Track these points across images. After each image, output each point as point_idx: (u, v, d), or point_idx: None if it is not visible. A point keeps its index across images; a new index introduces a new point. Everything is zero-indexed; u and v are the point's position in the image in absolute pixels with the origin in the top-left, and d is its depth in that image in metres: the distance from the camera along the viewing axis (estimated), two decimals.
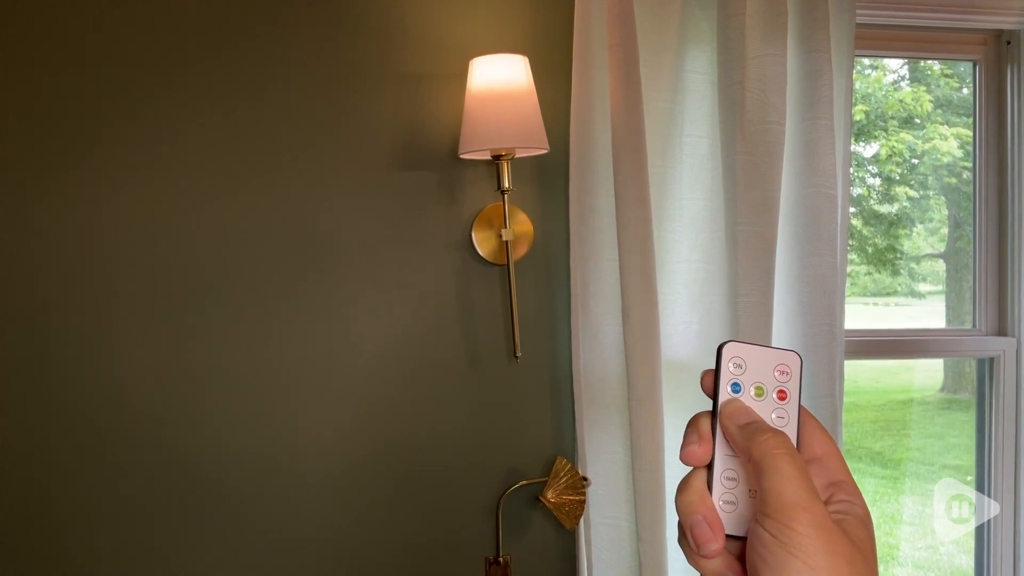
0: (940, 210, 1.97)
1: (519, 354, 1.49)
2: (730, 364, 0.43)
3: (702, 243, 1.52)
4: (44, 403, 1.38)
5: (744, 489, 0.41)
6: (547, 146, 1.40)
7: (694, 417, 0.44)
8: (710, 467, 0.42)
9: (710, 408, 0.44)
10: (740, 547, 0.42)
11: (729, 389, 0.43)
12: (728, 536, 0.41)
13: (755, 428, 0.41)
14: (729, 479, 0.42)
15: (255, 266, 1.44)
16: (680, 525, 0.42)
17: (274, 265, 1.44)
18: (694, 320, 1.53)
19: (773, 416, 0.43)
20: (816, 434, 0.43)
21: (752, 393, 0.43)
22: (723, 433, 0.42)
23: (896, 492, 2.07)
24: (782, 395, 0.43)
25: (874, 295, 1.99)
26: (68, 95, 1.38)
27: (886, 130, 1.93)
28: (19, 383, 1.37)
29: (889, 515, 2.06)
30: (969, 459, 1.88)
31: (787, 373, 0.43)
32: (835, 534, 0.37)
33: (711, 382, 0.44)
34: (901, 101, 1.92)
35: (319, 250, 1.46)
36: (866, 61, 1.90)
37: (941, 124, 1.90)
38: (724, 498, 0.41)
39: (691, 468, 0.43)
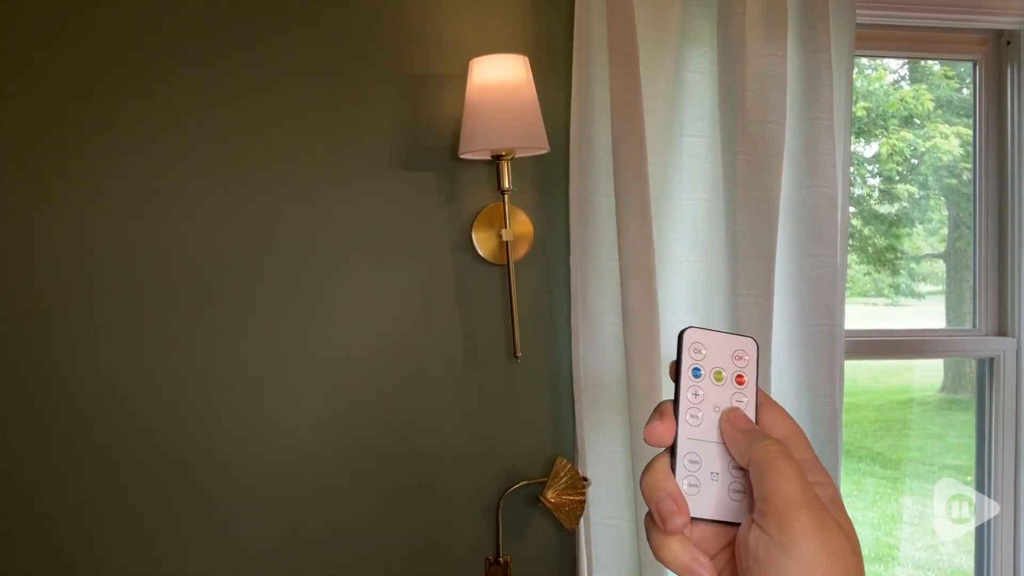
0: (940, 210, 1.97)
1: (519, 354, 1.49)
2: (691, 350, 0.45)
3: (702, 243, 1.52)
4: (36, 404, 1.38)
5: (706, 472, 0.43)
6: (547, 146, 1.40)
7: (659, 403, 0.45)
8: (673, 452, 0.43)
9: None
10: (707, 538, 0.42)
11: (690, 374, 0.44)
12: (692, 519, 0.42)
13: (757, 435, 0.42)
14: (692, 462, 0.43)
15: (253, 266, 1.44)
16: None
17: (273, 264, 1.44)
18: (694, 320, 1.53)
19: (732, 400, 0.44)
20: (779, 417, 0.44)
21: (712, 378, 0.44)
22: (723, 436, 0.43)
23: (896, 492, 2.07)
24: (740, 380, 0.45)
25: (874, 295, 1.99)
26: (60, 94, 1.38)
27: (887, 128, 1.93)
28: (12, 384, 1.37)
29: (889, 515, 2.06)
30: (969, 459, 1.88)
31: (744, 359, 0.45)
32: (832, 530, 0.38)
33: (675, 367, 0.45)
34: (902, 100, 1.92)
35: (318, 250, 1.46)
36: (865, 61, 1.90)
37: (942, 123, 1.90)
38: (688, 480, 0.42)
39: (655, 454, 0.44)
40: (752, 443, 0.41)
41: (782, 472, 0.39)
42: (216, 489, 1.43)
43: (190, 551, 1.43)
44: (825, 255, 1.48)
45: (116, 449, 1.40)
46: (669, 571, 1.42)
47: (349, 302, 1.47)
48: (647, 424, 0.44)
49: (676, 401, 0.44)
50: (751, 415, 0.44)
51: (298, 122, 1.45)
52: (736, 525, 0.42)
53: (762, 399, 0.45)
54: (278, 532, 1.45)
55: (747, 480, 0.42)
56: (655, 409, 0.44)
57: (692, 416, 0.44)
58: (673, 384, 0.45)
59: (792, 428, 0.44)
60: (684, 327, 0.45)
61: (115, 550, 1.41)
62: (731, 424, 0.43)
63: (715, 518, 0.42)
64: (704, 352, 0.45)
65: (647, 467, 0.43)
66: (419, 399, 1.49)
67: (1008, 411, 1.78)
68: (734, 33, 1.43)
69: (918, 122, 1.92)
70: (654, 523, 0.42)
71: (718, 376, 0.44)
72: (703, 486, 0.42)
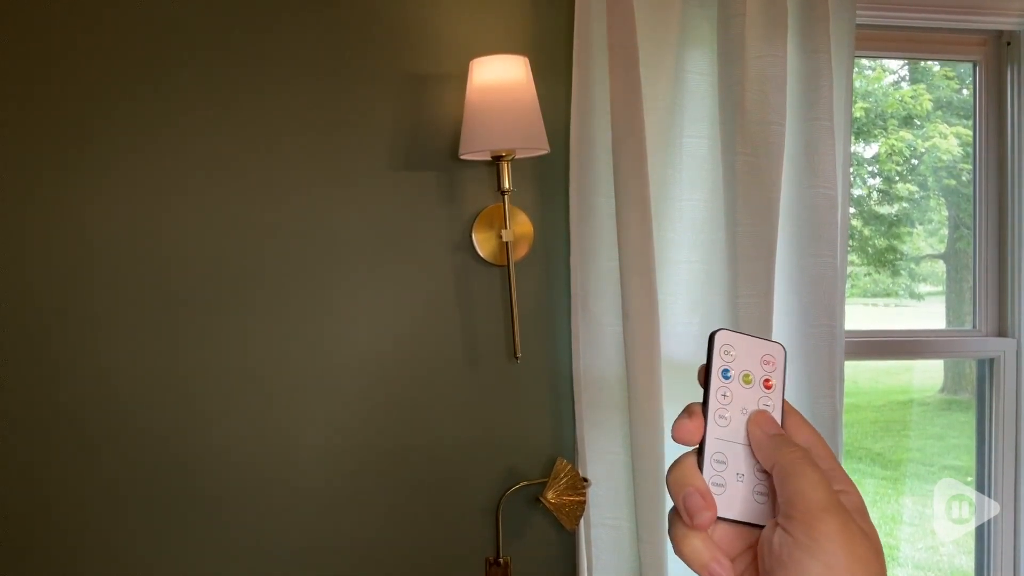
0: (940, 211, 1.97)
1: (519, 354, 1.49)
2: (721, 352, 0.45)
3: (702, 243, 1.52)
4: (38, 406, 1.38)
5: (732, 473, 0.43)
6: (547, 146, 1.40)
7: (687, 404, 0.46)
8: (700, 452, 0.43)
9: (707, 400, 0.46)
10: (728, 539, 0.43)
11: (720, 376, 0.45)
12: (716, 518, 0.42)
13: (783, 439, 0.43)
14: (719, 462, 0.43)
15: (253, 266, 1.44)
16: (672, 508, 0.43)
17: (272, 266, 1.44)
18: (694, 320, 1.53)
19: (760, 404, 0.45)
20: (800, 425, 0.45)
21: (740, 380, 0.45)
22: (749, 439, 0.44)
23: (896, 493, 2.07)
24: (768, 384, 0.45)
25: (874, 295, 1.99)
26: (60, 93, 1.38)
27: (886, 129, 1.93)
28: (13, 385, 1.37)
29: (889, 516, 2.06)
30: (969, 460, 1.88)
31: (772, 363, 0.46)
32: (857, 535, 0.38)
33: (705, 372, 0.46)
34: (901, 100, 1.92)
35: (318, 251, 1.46)
36: (866, 61, 1.90)
37: (941, 124, 1.90)
38: (713, 480, 0.43)
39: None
40: (777, 448, 0.42)
41: (807, 477, 0.39)
42: (216, 489, 1.43)
43: (191, 552, 1.43)
44: (825, 255, 1.48)
45: (118, 450, 1.40)
46: (669, 574, 1.42)
47: (349, 302, 1.47)
48: (676, 422, 0.44)
49: (705, 402, 0.44)
50: (777, 418, 0.44)
51: (298, 122, 1.45)
52: (758, 528, 0.42)
53: (786, 408, 0.45)
54: (278, 532, 1.45)
55: (772, 483, 0.42)
56: (684, 408, 0.45)
57: (720, 417, 0.44)
58: (701, 387, 0.45)
59: (815, 438, 0.44)
60: (715, 329, 0.46)
61: (117, 551, 1.41)
62: (758, 427, 0.44)
63: (739, 519, 0.42)
64: (734, 354, 0.45)
65: (674, 463, 0.44)
66: (419, 399, 1.49)
67: (1008, 412, 1.78)
68: (734, 34, 1.43)
69: (917, 122, 1.92)
70: (679, 517, 0.42)
71: (747, 379, 0.45)
72: (728, 486, 0.43)
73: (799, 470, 0.40)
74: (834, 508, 0.38)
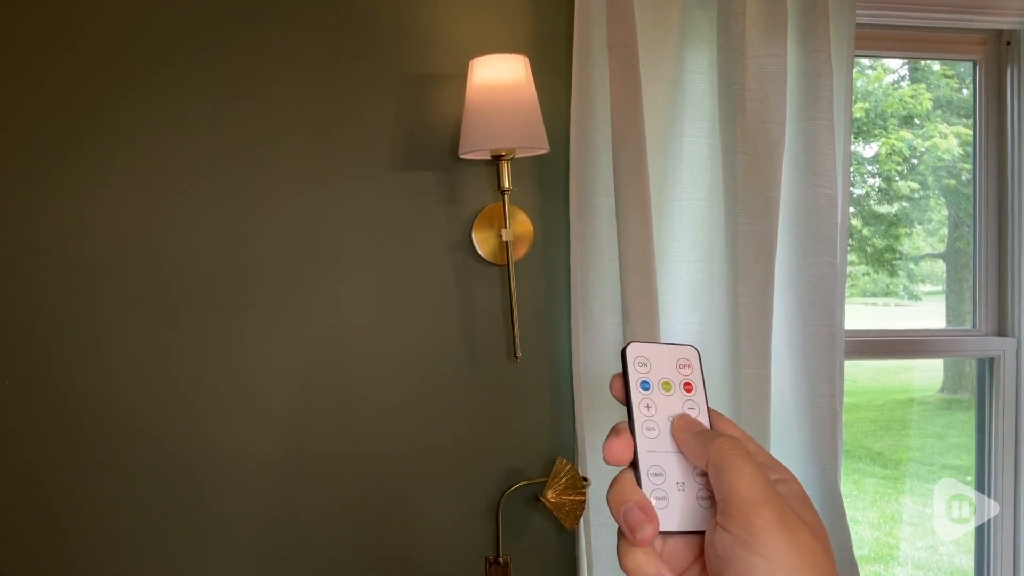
0: (940, 211, 1.97)
1: (519, 354, 1.49)
2: (636, 364, 0.45)
3: (702, 243, 1.52)
4: (34, 403, 1.38)
5: (672, 483, 0.42)
6: (547, 146, 1.40)
7: (613, 425, 0.45)
8: (635, 467, 0.43)
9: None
10: (679, 551, 0.42)
11: (639, 388, 0.44)
12: (661, 532, 0.41)
13: (711, 435, 0.42)
14: (656, 474, 0.42)
15: (253, 266, 1.44)
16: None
17: (272, 265, 1.44)
18: (694, 320, 1.53)
19: (684, 408, 0.44)
20: (727, 423, 0.45)
21: (660, 389, 0.44)
22: (678, 444, 0.43)
23: (896, 492, 2.07)
24: (688, 387, 0.45)
25: (875, 295, 1.99)
26: (56, 93, 1.38)
27: (886, 128, 1.93)
28: (10, 383, 1.37)
29: (889, 515, 2.06)
30: (969, 459, 1.88)
31: (688, 367, 0.46)
32: (796, 526, 0.37)
33: (620, 386, 0.45)
34: (900, 100, 1.92)
35: (318, 250, 1.46)
36: (866, 61, 1.90)
37: (941, 123, 1.90)
38: (655, 494, 0.42)
39: (619, 471, 0.44)
40: (707, 443, 0.41)
41: (739, 469, 0.39)
42: (214, 488, 1.43)
43: (190, 552, 1.43)
44: (825, 255, 1.48)
45: (115, 449, 1.40)
46: None
47: (349, 302, 1.47)
48: (604, 444, 0.43)
49: (630, 417, 0.44)
50: (704, 420, 0.44)
51: (298, 122, 1.45)
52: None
53: (710, 410, 0.45)
54: (276, 531, 1.45)
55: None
56: (611, 429, 0.44)
57: (648, 429, 0.43)
58: (619, 402, 0.45)
59: (743, 434, 0.44)
60: (625, 344, 0.46)
61: (116, 550, 1.40)
62: (683, 429, 0.43)
63: (688, 529, 0.41)
64: (649, 365, 0.45)
65: (612, 482, 0.42)
66: (419, 399, 1.49)
67: (1008, 411, 1.78)
68: (734, 33, 1.43)
69: (917, 122, 1.92)
70: (623, 535, 0.41)
71: (666, 386, 0.45)
72: (671, 498, 0.42)
73: (731, 463, 0.39)
74: (770, 499, 0.37)
